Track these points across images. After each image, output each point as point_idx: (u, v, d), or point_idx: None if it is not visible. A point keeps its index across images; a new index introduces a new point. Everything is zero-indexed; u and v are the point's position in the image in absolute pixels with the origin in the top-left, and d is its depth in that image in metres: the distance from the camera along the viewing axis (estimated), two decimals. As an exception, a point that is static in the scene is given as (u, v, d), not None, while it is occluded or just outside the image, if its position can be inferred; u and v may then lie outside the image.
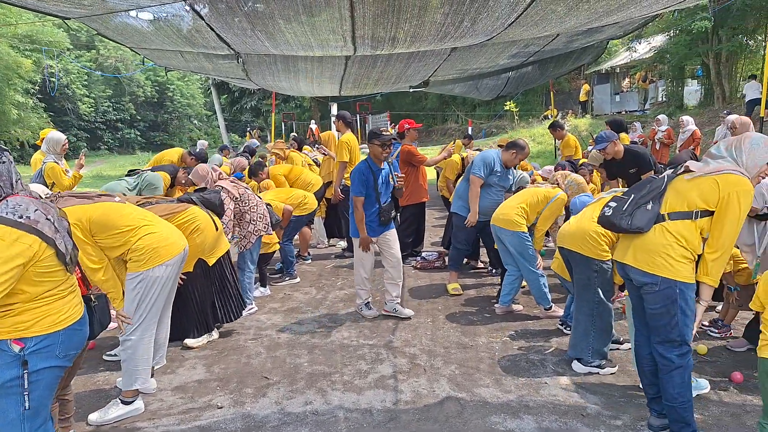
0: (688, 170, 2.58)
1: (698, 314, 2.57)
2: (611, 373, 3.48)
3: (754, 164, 2.48)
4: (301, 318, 4.76)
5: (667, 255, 2.49)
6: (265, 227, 4.82)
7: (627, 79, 22.05)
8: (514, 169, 5.31)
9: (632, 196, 2.65)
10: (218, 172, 4.81)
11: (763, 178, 2.66)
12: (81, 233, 2.85)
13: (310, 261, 6.83)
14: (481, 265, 6.26)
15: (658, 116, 10.34)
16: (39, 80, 28.58)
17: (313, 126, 23.40)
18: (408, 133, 6.45)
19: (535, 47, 8.65)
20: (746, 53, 16.59)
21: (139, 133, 41.13)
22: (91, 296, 2.34)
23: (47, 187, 5.11)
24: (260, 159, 8.15)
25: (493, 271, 5.93)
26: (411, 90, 13.47)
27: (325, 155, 7.25)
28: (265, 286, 5.44)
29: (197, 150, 7.30)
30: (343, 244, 7.58)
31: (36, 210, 1.98)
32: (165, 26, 6.55)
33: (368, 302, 4.78)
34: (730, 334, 4.01)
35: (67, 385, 2.73)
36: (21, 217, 1.92)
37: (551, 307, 4.52)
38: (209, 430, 3.00)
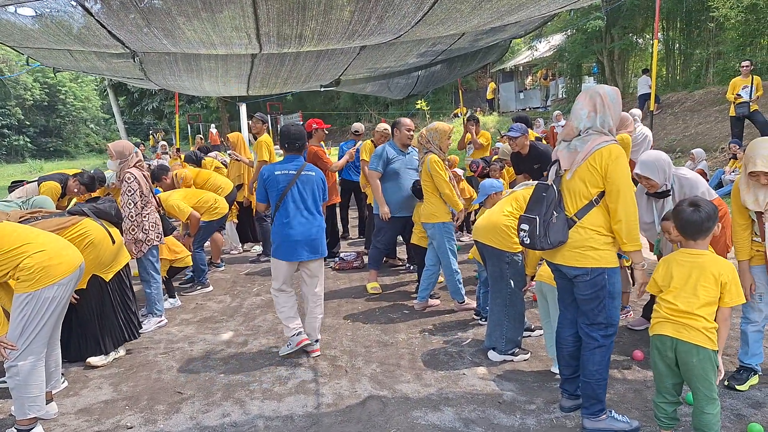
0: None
1: (638, 278, 2.70)
2: (524, 360, 3.62)
3: (617, 117, 2.66)
4: (215, 327, 4.56)
5: (591, 248, 2.62)
6: (157, 236, 4.55)
7: (530, 77, 23.26)
8: (414, 148, 5.33)
9: (536, 217, 2.72)
10: (140, 156, 4.52)
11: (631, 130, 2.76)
12: None
13: (223, 268, 6.58)
14: (399, 262, 6.32)
15: (556, 112, 10.97)
16: None
17: (214, 130, 22.38)
18: (315, 133, 6.40)
19: (442, 46, 8.86)
20: (636, 51, 18.03)
21: (29, 140, 37.85)
22: None
23: None
24: (164, 163, 7.74)
25: (410, 267, 6.01)
26: (322, 89, 13.36)
27: (237, 159, 7.01)
28: (174, 297, 5.16)
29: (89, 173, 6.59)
30: (258, 248, 7.38)
31: None
32: (50, 23, 6.03)
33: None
34: (631, 315, 4.31)
35: None
36: None
37: (464, 300, 4.63)
38: (117, 455, 2.80)
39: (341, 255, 6.44)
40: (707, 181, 9.02)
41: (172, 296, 5.13)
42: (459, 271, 4.60)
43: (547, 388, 3.25)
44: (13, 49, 7.63)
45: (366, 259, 6.29)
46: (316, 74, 10.34)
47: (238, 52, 7.57)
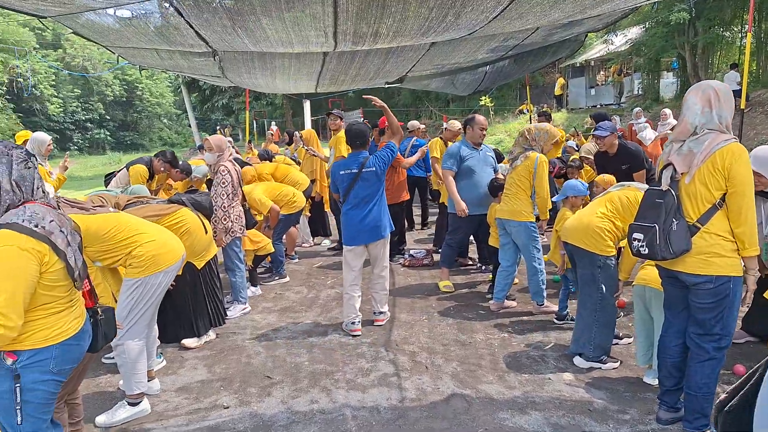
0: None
1: (750, 284, 2.58)
2: (613, 368, 3.51)
3: (731, 113, 2.52)
4: (295, 317, 4.71)
5: (717, 254, 2.49)
6: (240, 229, 4.75)
7: (602, 73, 22.43)
8: (486, 145, 5.36)
9: (654, 225, 2.58)
10: (233, 150, 4.76)
11: None
12: None
13: (297, 260, 6.77)
14: (470, 261, 6.28)
15: (636, 109, 10.51)
16: (5, 81, 27.69)
17: (274, 127, 22.78)
18: (387, 130, 6.45)
19: (514, 41, 8.71)
20: (722, 45, 16.91)
21: (108, 133, 40.23)
22: (98, 309, 2.27)
23: None
24: (238, 156, 8.04)
25: (483, 267, 5.96)
26: (386, 86, 13.43)
27: (313, 155, 7.17)
28: (255, 286, 5.37)
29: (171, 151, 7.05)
30: (327, 242, 7.53)
31: (51, 221, 1.92)
32: (143, 24, 6.38)
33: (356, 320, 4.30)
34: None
35: (75, 390, 2.65)
36: (36, 225, 1.85)
37: (544, 303, 4.55)
38: (218, 429, 2.96)
39: (411, 252, 6.47)
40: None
41: (254, 285, 5.34)
42: (543, 271, 4.53)
43: (640, 398, 3.15)
44: (107, 49, 8.12)
45: (435, 257, 6.29)
46: (384, 71, 10.42)
47: (313, 50, 7.74)
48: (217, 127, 30.11)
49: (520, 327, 4.32)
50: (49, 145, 5.45)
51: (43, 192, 1.99)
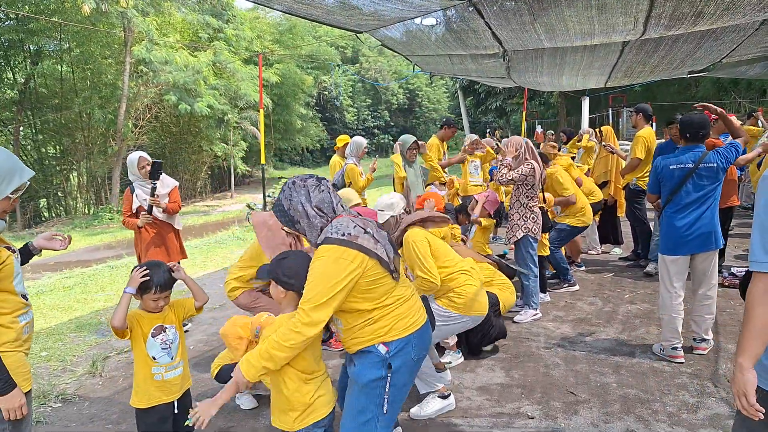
0: None
1: None
2: None
3: None
4: (592, 331, 4.34)
5: None
6: (536, 230, 4.53)
7: None
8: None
9: None
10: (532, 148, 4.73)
11: None
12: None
13: (583, 268, 6.31)
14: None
15: None
16: (315, 94, 33.25)
17: (539, 129, 21.76)
18: (715, 124, 5.50)
19: None
20: None
21: (392, 138, 44.87)
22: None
23: (345, 186, 5.69)
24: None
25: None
26: (688, 76, 11.71)
27: (612, 152, 6.60)
28: (545, 292, 5.14)
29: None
30: (618, 251, 6.85)
31: (355, 226, 2.05)
32: (443, 30, 6.74)
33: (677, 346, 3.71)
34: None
35: None
36: (343, 234, 2.00)
37: None
38: (523, 442, 2.84)
39: (732, 270, 5.41)
40: None
41: (543, 291, 5.13)
42: None
43: None
44: (406, 58, 8.89)
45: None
46: (694, 58, 9.03)
47: (614, 40, 7.13)
48: (487, 131, 30.73)
49: None
50: (365, 148, 6.16)
51: (342, 207, 2.18)
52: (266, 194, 11.90)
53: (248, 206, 14.41)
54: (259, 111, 13.05)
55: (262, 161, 11.52)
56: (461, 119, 30.07)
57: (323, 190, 2.13)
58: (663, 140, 6.34)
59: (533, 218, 4.51)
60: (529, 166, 4.46)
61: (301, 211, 2.08)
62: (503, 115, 30.99)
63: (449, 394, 3.19)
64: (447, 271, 3.28)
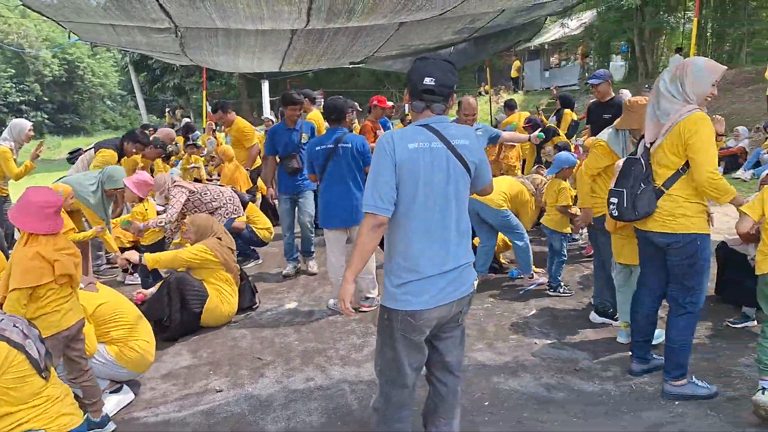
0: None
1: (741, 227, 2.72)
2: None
3: (701, 91, 2.67)
4: (278, 298, 4.68)
5: (683, 215, 2.69)
6: (235, 210, 4.73)
7: (556, 55, 22.87)
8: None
9: (623, 190, 2.82)
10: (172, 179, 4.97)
11: (710, 99, 2.78)
12: None
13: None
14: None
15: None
16: None
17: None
18: (374, 109, 6.49)
19: (481, 23, 8.79)
20: (667, 30, 17.73)
21: (46, 116, 37.95)
22: None
23: None
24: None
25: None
26: (350, 65, 13.33)
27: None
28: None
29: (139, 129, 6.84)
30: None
31: (2, 320, 2.11)
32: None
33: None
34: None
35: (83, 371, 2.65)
36: None
37: (533, 274, 4.65)
38: (214, 414, 2.93)
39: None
40: (746, 159, 8.98)
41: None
42: (529, 245, 4.58)
43: (620, 357, 3.32)
44: (59, 24, 7.69)
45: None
46: (352, 51, 10.32)
47: (283, 27, 7.58)
48: (166, 109, 28.89)
49: (503, 297, 4.45)
50: (28, 131, 5.23)
51: None
52: None
53: None
54: None
55: None
56: (135, 96, 27.64)
57: None
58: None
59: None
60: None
61: None
62: (182, 93, 29.60)
63: (121, 386, 3.04)
64: None
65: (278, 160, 5.25)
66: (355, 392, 3.06)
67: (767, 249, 2.61)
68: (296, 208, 5.24)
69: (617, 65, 19.03)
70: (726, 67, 2.90)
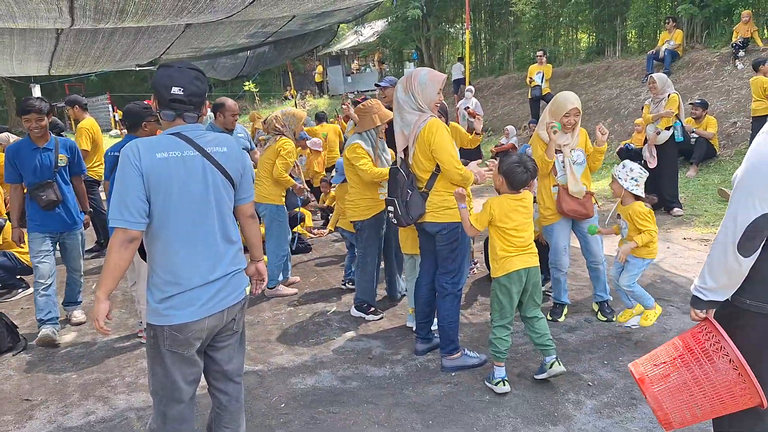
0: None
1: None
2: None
3: (430, 99, 3.04)
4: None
5: (447, 207, 3.04)
6: None
7: (356, 61, 23.94)
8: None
9: (395, 198, 3.13)
10: None
11: (438, 105, 3.15)
12: None
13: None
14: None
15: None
16: None
17: None
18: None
19: (272, 28, 8.83)
20: (449, 39, 19.70)
21: None
22: None
23: None
24: None
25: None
26: (137, 68, 12.36)
27: None
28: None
29: None
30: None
31: None
32: None
33: None
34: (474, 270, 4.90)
35: None
36: None
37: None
38: (-37, 477, 2.48)
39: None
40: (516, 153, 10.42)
41: None
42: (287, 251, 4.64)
43: (409, 340, 3.61)
44: None
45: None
46: (134, 53, 9.57)
47: (43, 26, 6.71)
48: None
49: (304, 299, 4.52)
50: None
51: None
52: None
53: None
54: None
55: None
56: None
57: None
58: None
59: None
60: None
61: None
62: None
63: None
64: None
65: (25, 189, 3.98)
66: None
67: (497, 256, 2.92)
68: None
69: (409, 71, 20.60)
70: (446, 75, 3.38)
